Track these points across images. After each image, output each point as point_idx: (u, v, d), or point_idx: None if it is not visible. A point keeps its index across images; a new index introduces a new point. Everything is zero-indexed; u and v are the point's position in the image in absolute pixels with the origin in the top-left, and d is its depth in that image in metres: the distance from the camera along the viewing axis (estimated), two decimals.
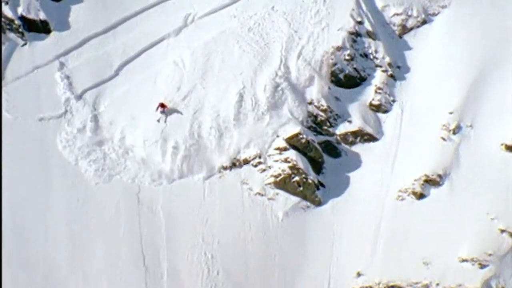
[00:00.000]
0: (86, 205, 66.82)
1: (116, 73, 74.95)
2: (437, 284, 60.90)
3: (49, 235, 64.83)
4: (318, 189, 67.92)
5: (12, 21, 75.99)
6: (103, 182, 68.81)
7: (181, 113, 69.05)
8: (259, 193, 67.67)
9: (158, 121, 68.93)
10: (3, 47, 76.47)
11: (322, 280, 63.75)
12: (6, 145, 67.80)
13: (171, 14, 78.73)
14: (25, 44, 76.10)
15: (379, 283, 62.39)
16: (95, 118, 73.55)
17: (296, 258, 64.83)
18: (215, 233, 65.87)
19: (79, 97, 74.52)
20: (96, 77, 76.04)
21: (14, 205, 64.26)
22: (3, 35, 76.81)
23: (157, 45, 77.77)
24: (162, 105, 68.97)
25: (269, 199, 67.74)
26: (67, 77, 75.79)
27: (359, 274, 63.02)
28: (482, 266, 60.44)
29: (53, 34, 76.79)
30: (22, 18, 76.39)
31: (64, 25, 77.85)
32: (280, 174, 68.09)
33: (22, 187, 65.68)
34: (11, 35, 75.80)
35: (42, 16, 77.20)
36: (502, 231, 62.03)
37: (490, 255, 60.65)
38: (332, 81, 72.21)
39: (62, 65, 76.58)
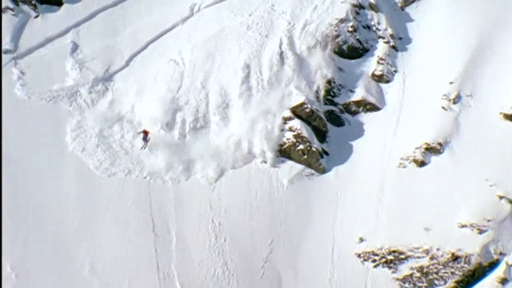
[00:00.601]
0: (96, 173, 66.81)
1: (127, 64, 74.42)
2: (438, 249, 60.57)
3: (61, 200, 64.88)
4: (322, 157, 68.03)
5: None
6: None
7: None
8: (264, 162, 67.91)
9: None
10: (16, 19, 75.98)
11: (326, 245, 63.52)
12: (18, 119, 68.18)
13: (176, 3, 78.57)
14: (37, 16, 77.05)
15: (381, 248, 62.24)
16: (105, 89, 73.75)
17: (301, 225, 64.95)
18: (222, 201, 65.78)
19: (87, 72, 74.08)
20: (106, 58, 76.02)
21: (29, 172, 64.36)
22: (16, 7, 76.57)
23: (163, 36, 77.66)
24: (145, 132, 67.26)
25: (274, 167, 68.19)
26: (77, 50, 75.66)
27: (361, 240, 62.91)
28: (481, 232, 60.19)
29: (65, 6, 77.45)
30: None
31: None
32: (285, 143, 67.98)
33: (36, 157, 65.99)
34: (24, 7, 76.59)
35: None
36: (501, 197, 61.78)
37: (488, 220, 60.43)
38: (335, 52, 72.46)
39: (74, 40, 76.26)
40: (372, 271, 62.57)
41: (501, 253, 60.49)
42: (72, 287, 61.03)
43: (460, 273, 60.37)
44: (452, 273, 60.55)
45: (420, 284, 61.33)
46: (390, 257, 62.36)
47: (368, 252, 63.20)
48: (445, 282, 60.57)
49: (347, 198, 66.89)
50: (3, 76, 72.82)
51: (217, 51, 74.67)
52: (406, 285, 61.48)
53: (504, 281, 59.56)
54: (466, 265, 60.38)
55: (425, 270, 61.37)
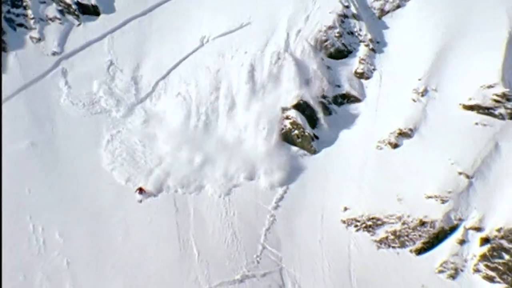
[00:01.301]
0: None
1: (153, 89, 74.29)
2: (408, 216, 61.19)
3: (97, 168, 66.26)
4: (313, 140, 68.86)
5: (69, 6, 77.99)
6: None
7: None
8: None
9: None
10: (63, 27, 77.38)
11: (317, 214, 64.45)
12: (65, 125, 69.07)
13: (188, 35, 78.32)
14: (79, 24, 77.95)
15: (361, 216, 63.10)
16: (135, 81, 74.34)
17: (297, 198, 65.65)
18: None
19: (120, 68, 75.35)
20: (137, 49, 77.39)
21: (73, 168, 65.30)
22: (62, 17, 77.96)
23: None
24: (140, 189, 64.22)
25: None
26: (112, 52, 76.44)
27: (346, 209, 63.71)
28: (443, 202, 60.60)
29: (102, 16, 77.88)
30: (77, 3, 78.40)
31: (111, 9, 78.84)
32: (283, 129, 68.54)
33: (78, 158, 66.72)
34: (69, 17, 78.22)
35: (93, 1, 78.83)
36: (460, 173, 61.85)
37: (449, 192, 60.81)
38: (324, 54, 72.35)
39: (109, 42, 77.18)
40: (354, 234, 63.04)
41: (460, 219, 60.82)
42: (108, 249, 60.90)
43: (426, 236, 60.67)
44: (420, 235, 60.91)
45: (393, 245, 61.62)
46: (369, 223, 62.90)
47: (351, 219, 63.63)
48: (414, 243, 60.93)
49: (334, 174, 67.26)
50: (50, 83, 73.36)
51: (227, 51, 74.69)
52: (382, 246, 61.85)
53: (462, 242, 59.76)
54: (431, 229, 60.71)
55: (397, 233, 61.77)
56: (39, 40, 76.48)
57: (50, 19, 77.40)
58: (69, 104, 72.50)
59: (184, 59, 76.98)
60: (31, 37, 76.35)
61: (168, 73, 75.95)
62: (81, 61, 76.24)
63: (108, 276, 60.03)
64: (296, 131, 68.51)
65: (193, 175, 68.21)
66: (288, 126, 69.06)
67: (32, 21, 77.46)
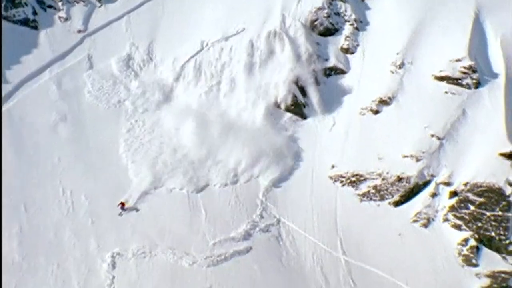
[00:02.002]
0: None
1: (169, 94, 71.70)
2: (387, 173, 61.15)
3: (114, 143, 65.29)
4: (304, 107, 68.25)
5: None
6: None
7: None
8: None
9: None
10: (86, 8, 77.23)
11: (307, 171, 64.44)
12: (91, 118, 67.30)
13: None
14: (101, 5, 78.59)
15: (347, 172, 62.87)
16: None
17: (290, 156, 65.73)
18: None
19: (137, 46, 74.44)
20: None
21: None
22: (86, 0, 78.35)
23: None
24: (122, 204, 60.04)
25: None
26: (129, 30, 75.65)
27: (333, 166, 63.24)
28: (418, 160, 60.13)
29: None
30: None
31: None
32: (279, 98, 69.10)
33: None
34: None
35: None
36: (432, 135, 61.56)
37: (423, 152, 60.31)
38: (314, 32, 72.29)
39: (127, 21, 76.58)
40: (340, 189, 62.67)
41: (432, 175, 60.44)
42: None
43: (403, 190, 60.31)
44: (397, 190, 60.56)
45: (374, 198, 61.13)
46: (353, 179, 62.53)
47: (337, 175, 63.25)
48: (392, 196, 60.52)
49: (323, 136, 67.14)
50: (76, 58, 72.59)
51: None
52: (365, 199, 61.41)
53: (433, 195, 59.34)
54: (407, 184, 60.30)
55: (378, 188, 61.32)
56: (66, 19, 76.39)
57: (76, 1, 77.66)
58: (93, 79, 71.75)
59: (192, 40, 75.48)
60: (59, 17, 76.39)
61: (178, 52, 74.33)
62: (102, 38, 75.86)
63: (128, 232, 59.75)
64: (289, 100, 67.64)
65: (200, 160, 66.62)
66: (283, 95, 68.23)
67: (60, 3, 77.66)
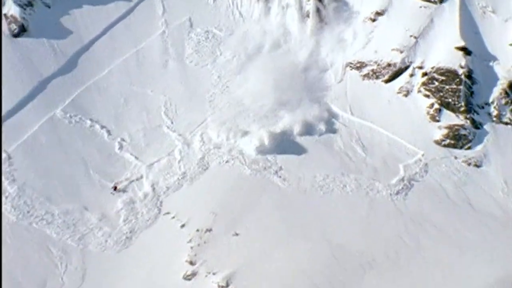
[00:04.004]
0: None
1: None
2: (381, 61, 70.00)
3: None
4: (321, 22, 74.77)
5: None
6: None
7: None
8: None
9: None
10: None
11: (326, 65, 73.36)
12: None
13: None
14: None
15: (354, 61, 71.10)
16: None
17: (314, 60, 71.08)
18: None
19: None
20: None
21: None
22: None
23: None
24: (115, 187, 57.28)
25: None
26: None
27: (347, 61, 71.94)
28: (401, 52, 70.30)
29: None
30: None
31: None
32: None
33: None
34: None
35: None
36: (411, 36, 70.12)
37: (404, 46, 69.79)
38: None
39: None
40: (349, 72, 71.16)
41: (410, 62, 69.74)
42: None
43: (391, 72, 69.76)
44: (387, 72, 69.74)
45: (372, 78, 70.20)
46: (358, 65, 71.38)
47: (347, 63, 72.24)
48: (384, 76, 69.36)
49: (336, 39, 73.57)
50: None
51: None
52: (366, 78, 70.35)
53: (411, 75, 69.14)
54: (394, 68, 70.02)
55: (374, 71, 70.31)
56: None
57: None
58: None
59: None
60: None
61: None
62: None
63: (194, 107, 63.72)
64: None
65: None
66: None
67: None
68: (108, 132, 59.76)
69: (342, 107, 66.32)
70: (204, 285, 49.16)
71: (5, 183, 54.02)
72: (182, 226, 54.60)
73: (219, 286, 49.21)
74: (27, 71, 63.10)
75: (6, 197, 53.25)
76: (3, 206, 52.08)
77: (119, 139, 59.22)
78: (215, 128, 60.04)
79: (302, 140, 62.16)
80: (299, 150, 61.11)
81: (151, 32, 69.68)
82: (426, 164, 59.73)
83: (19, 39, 65.24)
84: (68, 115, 59.77)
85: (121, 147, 58.21)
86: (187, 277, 50.68)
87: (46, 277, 50.83)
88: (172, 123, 61.65)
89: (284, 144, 60.57)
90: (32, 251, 51.53)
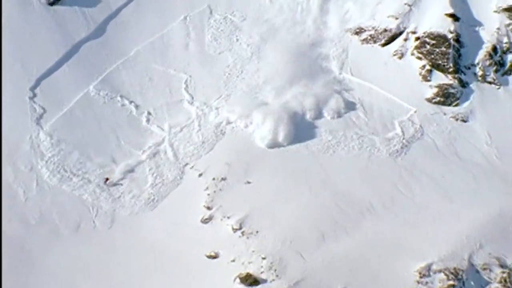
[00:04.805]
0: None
1: None
2: (378, 27, 68.68)
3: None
4: None
5: None
6: None
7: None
8: None
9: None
10: None
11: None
12: None
13: None
14: None
15: (353, 26, 69.37)
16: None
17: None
18: None
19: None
20: None
21: None
22: None
23: None
24: (106, 179, 55.24)
25: None
26: None
27: (349, 27, 69.96)
28: (397, 18, 68.82)
29: None
30: None
31: None
32: None
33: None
34: None
35: None
36: (405, 4, 68.74)
37: (399, 13, 68.51)
38: None
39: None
40: (350, 37, 68.95)
41: (404, 28, 67.81)
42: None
43: (387, 37, 67.68)
44: (384, 36, 67.98)
45: (370, 42, 68.11)
46: (357, 30, 68.93)
47: (347, 29, 69.78)
48: (381, 41, 67.44)
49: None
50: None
51: None
52: (365, 42, 68.02)
53: (405, 39, 66.88)
54: (389, 33, 67.67)
55: (372, 35, 68.25)
56: None
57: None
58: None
59: None
60: None
61: None
62: None
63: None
64: None
65: None
66: None
67: None
68: (136, 107, 60.47)
69: (345, 70, 65.92)
70: (220, 227, 50.69)
71: (46, 151, 56.70)
72: (200, 175, 55.65)
73: (233, 228, 50.42)
74: (61, 36, 64.58)
75: (46, 162, 55.59)
76: (42, 170, 54.94)
77: (146, 113, 59.87)
78: (229, 108, 60.70)
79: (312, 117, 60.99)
80: (310, 126, 60.34)
81: (175, 18, 68.37)
82: (421, 126, 60.04)
83: (54, 7, 65.86)
84: (100, 92, 60.74)
85: (148, 120, 59.10)
86: (205, 221, 52.25)
87: (80, 221, 52.37)
88: (192, 98, 61.69)
89: (296, 125, 59.59)
90: (68, 199, 53.91)
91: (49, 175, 53.74)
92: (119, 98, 60.51)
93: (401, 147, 57.31)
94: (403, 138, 58.11)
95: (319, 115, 59.67)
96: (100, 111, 59.88)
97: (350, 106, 61.30)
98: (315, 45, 65.85)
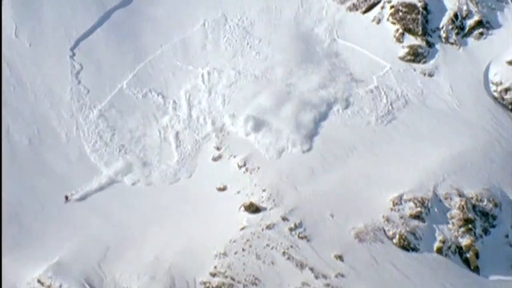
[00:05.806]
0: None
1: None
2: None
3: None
4: None
5: None
6: None
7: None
8: None
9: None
10: None
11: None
12: None
13: None
14: None
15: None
16: None
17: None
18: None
19: None
20: None
21: None
22: None
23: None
24: (66, 197, 49.32)
25: None
26: None
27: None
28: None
29: None
30: None
31: None
32: None
33: None
34: None
35: None
36: None
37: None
38: None
39: None
40: (337, 5, 65.26)
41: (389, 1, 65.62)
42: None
43: (367, 5, 65.26)
44: (364, 5, 65.33)
45: (353, 10, 65.18)
46: (342, 0, 66.11)
47: (338, 1, 66.44)
48: (362, 8, 64.84)
49: None
50: None
51: None
52: (348, 10, 65.17)
53: (382, 7, 64.43)
54: (369, 2, 65.53)
55: (355, 4, 65.63)
56: None
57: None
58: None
59: None
60: None
61: None
62: None
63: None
64: None
65: None
66: None
67: None
68: (163, 97, 58.90)
69: (329, 33, 64.50)
70: (227, 164, 52.26)
71: (96, 130, 55.71)
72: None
73: (238, 165, 51.96)
74: (95, 4, 63.73)
75: (94, 145, 54.43)
76: (86, 150, 54.07)
77: (171, 102, 58.41)
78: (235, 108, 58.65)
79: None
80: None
81: (195, 23, 64.92)
82: (405, 96, 58.89)
83: None
84: (132, 88, 59.20)
85: (174, 108, 57.73)
86: (215, 159, 53.68)
87: None
88: (207, 88, 59.43)
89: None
90: None
91: (95, 156, 53.65)
92: (148, 91, 59.44)
93: (390, 121, 56.89)
94: (392, 108, 57.69)
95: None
96: (134, 102, 58.76)
97: (340, 66, 61.74)
98: (307, 18, 65.42)
